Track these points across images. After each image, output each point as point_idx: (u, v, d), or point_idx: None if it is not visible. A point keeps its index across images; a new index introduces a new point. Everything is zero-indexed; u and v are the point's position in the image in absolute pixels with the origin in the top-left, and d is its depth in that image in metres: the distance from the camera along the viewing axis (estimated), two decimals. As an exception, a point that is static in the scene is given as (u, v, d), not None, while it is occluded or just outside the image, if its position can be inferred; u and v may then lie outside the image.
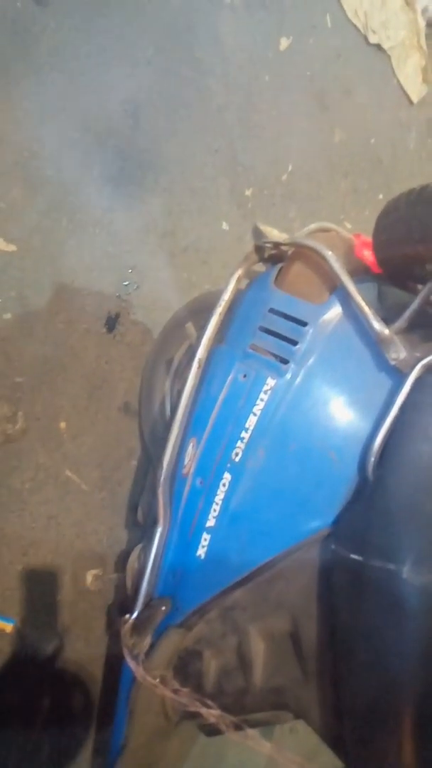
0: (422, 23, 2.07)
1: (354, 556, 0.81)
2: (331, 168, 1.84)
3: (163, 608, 1.00)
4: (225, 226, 1.59)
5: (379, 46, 1.97)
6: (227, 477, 0.94)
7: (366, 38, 1.92)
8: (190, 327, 1.20)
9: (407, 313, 0.86)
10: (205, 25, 1.52)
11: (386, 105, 2.02)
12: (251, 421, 0.92)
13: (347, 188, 1.87)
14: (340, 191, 1.85)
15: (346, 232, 1.03)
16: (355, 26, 1.88)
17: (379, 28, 1.95)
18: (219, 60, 1.55)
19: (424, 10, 2.07)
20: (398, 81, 2.06)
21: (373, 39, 1.94)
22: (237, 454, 0.93)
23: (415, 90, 2.11)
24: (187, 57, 1.49)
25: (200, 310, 1.24)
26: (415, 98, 2.12)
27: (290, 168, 1.73)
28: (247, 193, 1.63)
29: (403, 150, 2.07)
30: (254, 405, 0.92)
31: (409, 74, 2.08)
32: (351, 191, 1.87)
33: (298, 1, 1.72)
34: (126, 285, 1.41)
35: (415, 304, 0.86)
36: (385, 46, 1.98)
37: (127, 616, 1.02)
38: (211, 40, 1.54)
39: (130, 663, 0.99)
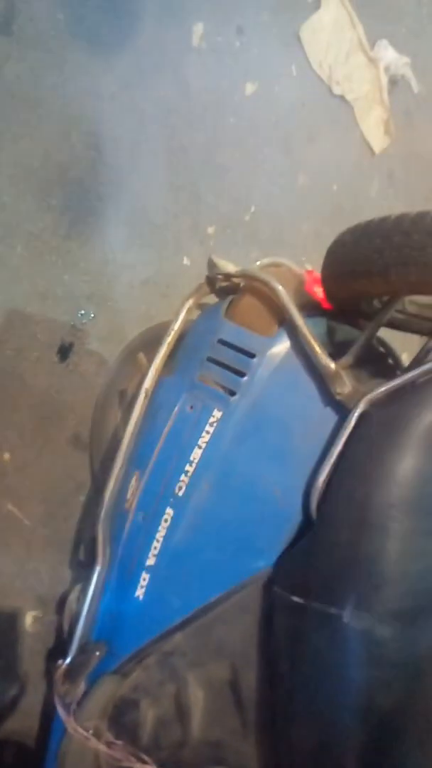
0: (384, 79, 2.16)
1: (295, 599, 0.78)
2: (294, 211, 1.87)
3: (98, 653, 0.94)
4: (186, 261, 1.59)
5: (342, 98, 2.04)
6: (169, 512, 0.90)
7: (330, 89, 1.99)
8: (141, 357, 1.17)
9: (354, 349, 0.85)
10: (171, 65, 1.55)
11: (349, 154, 2.08)
12: (196, 454, 0.90)
13: (309, 231, 1.90)
14: (302, 234, 1.88)
15: (298, 267, 1.03)
16: (319, 77, 1.95)
17: (343, 80, 2.02)
18: (184, 100, 1.58)
19: (386, 68, 2.15)
20: (361, 131, 2.12)
21: (336, 90, 2.01)
22: (180, 489, 0.90)
23: (378, 141, 2.18)
24: (152, 95, 1.51)
25: (153, 341, 1.22)
26: (377, 149, 2.18)
27: (253, 209, 1.75)
28: (210, 230, 1.64)
29: (364, 198, 2.12)
30: (200, 437, 0.90)
31: (371, 126, 2.15)
32: (313, 235, 1.90)
33: (264, 49, 1.77)
34: (81, 314, 1.38)
35: (361, 340, 0.85)
36: (349, 97, 2.05)
37: (60, 661, 0.96)
38: (177, 81, 1.56)
39: (61, 712, 0.93)
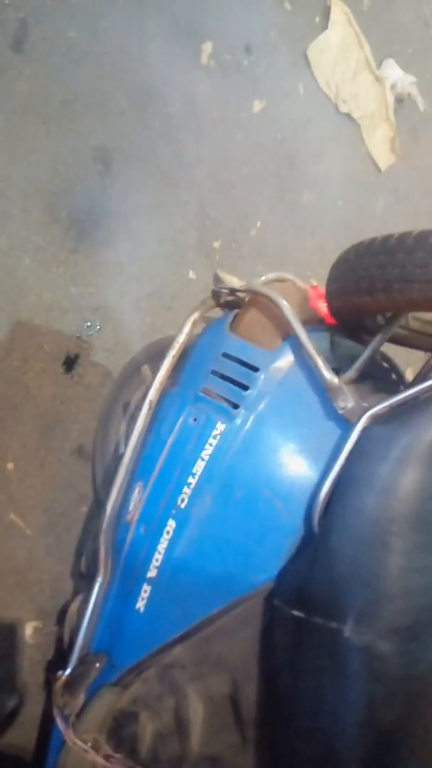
0: (390, 98, 2.18)
1: (296, 613, 0.78)
2: (299, 227, 1.89)
3: (97, 665, 0.94)
4: (192, 275, 1.60)
5: (349, 116, 2.06)
6: (172, 524, 0.90)
7: (337, 107, 2.01)
8: (146, 370, 1.18)
9: (357, 364, 0.86)
10: (180, 83, 1.58)
11: (355, 171, 2.10)
12: (199, 467, 0.90)
13: (314, 247, 1.91)
14: (307, 249, 1.89)
15: (303, 282, 1.04)
16: (326, 95, 1.97)
17: (350, 99, 2.05)
18: (192, 117, 1.60)
19: (393, 86, 2.18)
20: (367, 149, 2.15)
21: (343, 108, 2.04)
22: (183, 501, 0.90)
23: (383, 159, 2.21)
24: (160, 111, 1.54)
25: (158, 354, 1.23)
26: (383, 166, 2.21)
27: (259, 224, 1.77)
28: (215, 245, 1.66)
29: (369, 215, 2.14)
30: (203, 450, 0.90)
31: (377, 144, 2.18)
32: (318, 250, 1.92)
33: (272, 68, 1.80)
34: (87, 326, 1.40)
35: (365, 355, 0.86)
36: (355, 116, 2.08)
37: (60, 672, 0.96)
38: (185, 98, 1.59)
39: (60, 724, 0.92)
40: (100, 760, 0.89)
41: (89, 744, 0.91)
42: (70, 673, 0.95)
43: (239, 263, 1.69)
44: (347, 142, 2.08)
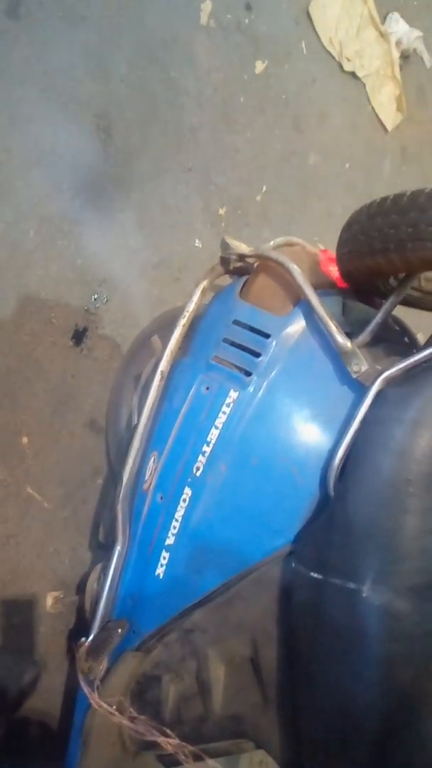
0: (396, 54, 2.12)
1: (314, 575, 0.79)
2: (306, 190, 1.85)
3: (120, 630, 0.96)
4: (198, 243, 1.58)
5: (353, 74, 2.00)
6: (188, 492, 0.91)
7: (341, 66, 1.96)
8: (156, 341, 1.18)
9: (370, 327, 0.85)
10: (180, 45, 1.54)
11: (361, 131, 2.05)
12: (213, 435, 0.90)
13: (321, 211, 1.88)
14: (315, 214, 1.86)
15: (313, 246, 1.03)
16: (330, 54, 1.92)
17: (354, 56, 1.99)
18: (193, 80, 1.56)
19: (398, 42, 2.11)
20: (373, 108, 2.09)
21: (347, 67, 1.98)
22: (198, 469, 0.91)
23: (390, 118, 2.15)
24: (161, 75, 1.50)
25: (168, 325, 1.22)
26: (389, 126, 2.15)
27: (264, 189, 1.74)
28: (221, 212, 1.63)
29: (377, 176, 2.10)
30: (216, 418, 0.91)
31: (383, 102, 2.12)
32: (325, 214, 1.89)
33: (273, 27, 1.75)
34: (95, 299, 1.39)
35: (378, 318, 0.85)
36: (360, 74, 2.02)
37: (83, 639, 0.98)
38: (185, 60, 1.55)
39: (85, 688, 0.95)
40: (125, 721, 0.92)
41: (114, 707, 0.93)
42: (93, 640, 0.97)
43: (245, 230, 1.67)
44: (352, 102, 2.03)
